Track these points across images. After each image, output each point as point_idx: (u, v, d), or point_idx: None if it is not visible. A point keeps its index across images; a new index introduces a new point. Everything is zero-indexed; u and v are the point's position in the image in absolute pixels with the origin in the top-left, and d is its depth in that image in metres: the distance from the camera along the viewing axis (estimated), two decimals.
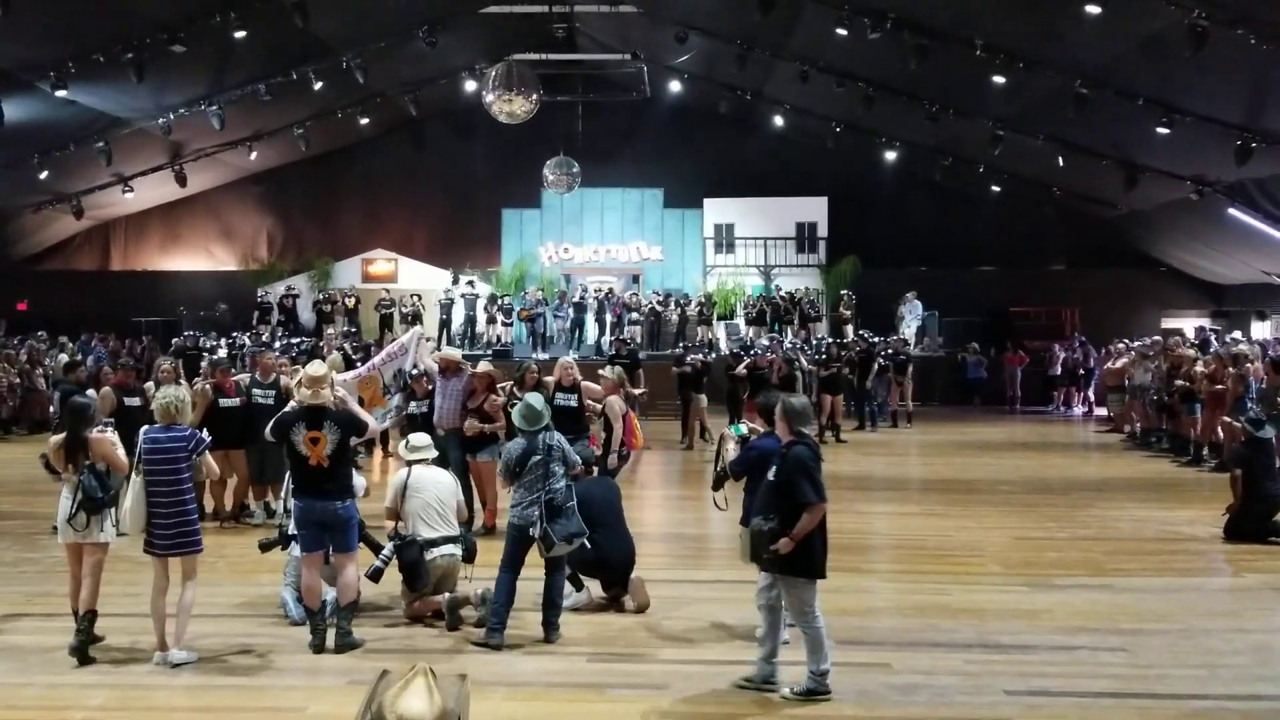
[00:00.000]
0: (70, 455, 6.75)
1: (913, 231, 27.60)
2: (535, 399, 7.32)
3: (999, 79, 19.28)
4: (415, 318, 24.68)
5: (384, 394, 10.49)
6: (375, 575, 7.18)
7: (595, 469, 7.20)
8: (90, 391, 9.76)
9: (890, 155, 26.21)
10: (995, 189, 26.67)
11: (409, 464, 7.63)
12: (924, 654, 6.77)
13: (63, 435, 6.84)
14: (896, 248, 27.42)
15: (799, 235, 28.32)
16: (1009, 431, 20.29)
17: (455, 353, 11.33)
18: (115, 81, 19.47)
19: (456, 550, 7.46)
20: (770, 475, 6.05)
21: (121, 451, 6.86)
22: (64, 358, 19.37)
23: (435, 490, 7.52)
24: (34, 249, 29.83)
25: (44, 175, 23.41)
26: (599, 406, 10.20)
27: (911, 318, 25.80)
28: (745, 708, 5.94)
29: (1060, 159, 22.25)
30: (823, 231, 28.26)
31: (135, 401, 10.35)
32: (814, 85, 22.17)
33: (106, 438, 6.85)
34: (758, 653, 6.12)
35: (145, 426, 6.86)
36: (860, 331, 22.93)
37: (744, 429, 7.28)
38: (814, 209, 28.15)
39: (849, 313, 25.67)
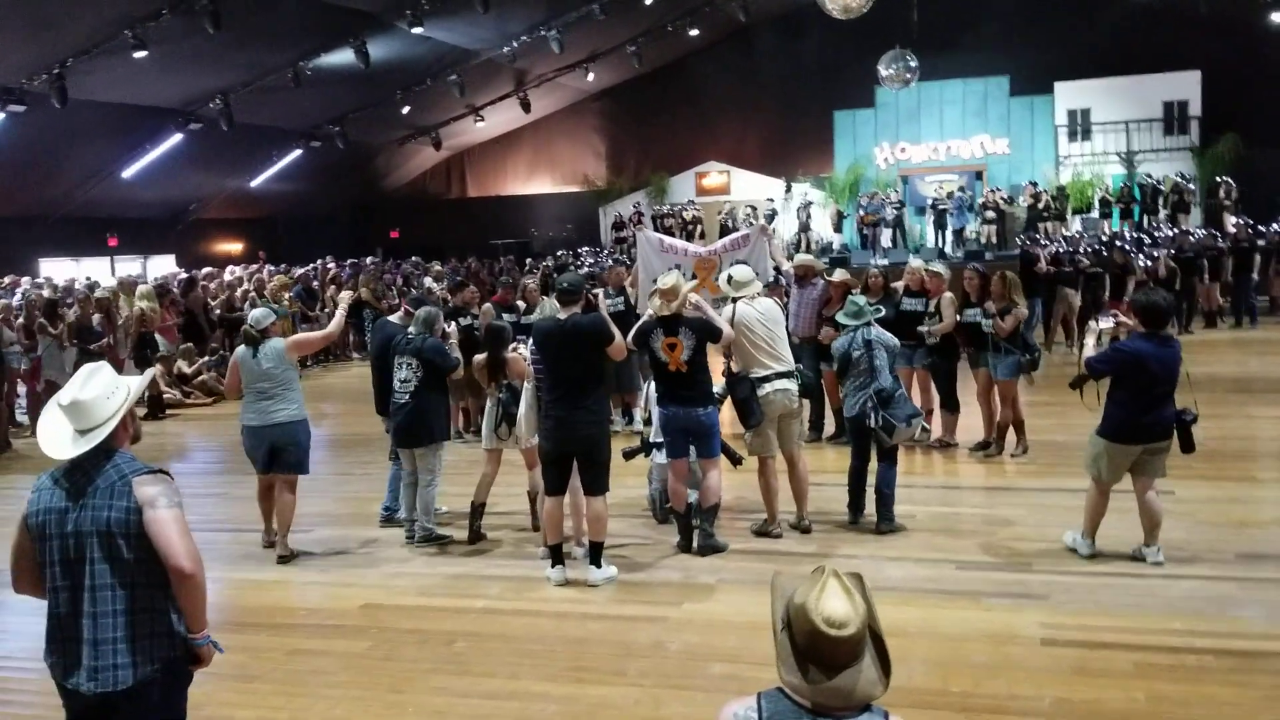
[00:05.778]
0: (492, 373, 7.39)
1: None
2: (860, 297, 7.81)
3: None
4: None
5: (717, 280, 10.28)
6: None
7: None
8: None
9: None
10: None
11: (733, 300, 7.24)
12: None
13: (485, 355, 7.47)
14: None
15: (1166, 116, 25.56)
16: None
17: (813, 259, 11.03)
18: (463, 14, 20.48)
19: (791, 385, 7.12)
20: None
21: (531, 368, 7.28)
22: (430, 281, 21.18)
23: (763, 325, 7.13)
24: (401, 181, 32.84)
25: (405, 110, 25.44)
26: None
27: None
28: (1136, 620, 5.53)
29: None
30: (1195, 110, 25.33)
31: (510, 318, 11.00)
32: None
33: (519, 356, 7.37)
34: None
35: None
36: (1238, 219, 20.37)
37: (1110, 323, 6.69)
38: (1185, 85, 25.24)
39: (1229, 201, 22.92)
